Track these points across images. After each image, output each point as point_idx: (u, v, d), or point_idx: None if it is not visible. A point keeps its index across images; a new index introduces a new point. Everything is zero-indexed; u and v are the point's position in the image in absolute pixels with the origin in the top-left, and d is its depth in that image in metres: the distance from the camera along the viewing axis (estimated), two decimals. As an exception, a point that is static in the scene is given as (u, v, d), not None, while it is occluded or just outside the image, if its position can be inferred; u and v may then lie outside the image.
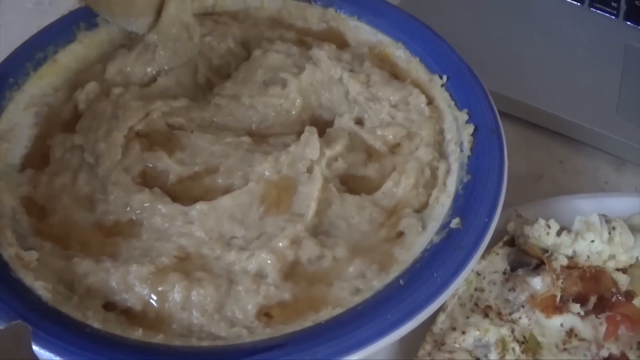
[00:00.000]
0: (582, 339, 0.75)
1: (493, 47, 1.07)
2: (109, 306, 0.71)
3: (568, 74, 1.06)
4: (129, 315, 0.70)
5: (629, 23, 1.16)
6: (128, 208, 0.77)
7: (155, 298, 0.70)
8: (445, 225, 0.74)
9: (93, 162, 0.81)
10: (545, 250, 0.79)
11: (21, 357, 0.77)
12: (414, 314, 0.66)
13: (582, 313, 0.76)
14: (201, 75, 0.91)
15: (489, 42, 1.08)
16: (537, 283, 0.77)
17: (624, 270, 0.80)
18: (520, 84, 1.02)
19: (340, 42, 0.97)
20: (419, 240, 0.74)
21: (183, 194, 0.79)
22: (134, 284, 0.71)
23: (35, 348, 0.63)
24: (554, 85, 1.04)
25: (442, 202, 0.78)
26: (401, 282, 0.69)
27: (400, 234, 0.76)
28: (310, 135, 0.82)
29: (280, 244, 0.72)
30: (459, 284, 0.69)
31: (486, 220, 0.72)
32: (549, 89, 1.03)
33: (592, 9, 1.16)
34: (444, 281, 0.68)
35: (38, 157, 0.84)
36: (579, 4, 1.16)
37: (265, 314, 0.70)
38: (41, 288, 0.68)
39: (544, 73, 1.05)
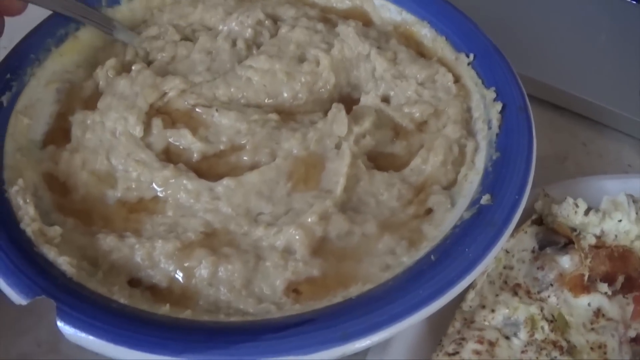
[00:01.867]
0: (609, 319, 0.74)
1: (517, 29, 1.07)
2: (134, 282, 0.71)
3: (592, 57, 1.06)
4: (154, 291, 0.70)
5: (653, 10, 1.16)
6: (153, 184, 0.77)
7: (181, 274, 0.70)
8: (475, 201, 0.73)
9: (114, 139, 0.81)
10: (573, 229, 0.79)
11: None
12: (446, 289, 0.65)
13: (609, 293, 0.75)
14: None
15: (513, 24, 1.08)
16: (566, 262, 0.77)
17: (651, 250, 0.79)
18: (545, 67, 1.02)
19: (365, 21, 0.96)
20: (448, 217, 0.74)
21: (208, 171, 0.79)
22: (160, 260, 0.71)
23: (59, 324, 0.63)
24: (578, 68, 1.04)
25: (471, 180, 0.77)
26: (432, 257, 0.68)
27: (429, 211, 0.76)
28: (338, 111, 0.82)
29: (309, 220, 0.72)
30: (490, 260, 0.68)
31: (517, 197, 0.72)
32: (573, 72, 1.03)
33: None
34: (475, 257, 0.67)
35: (59, 134, 0.84)
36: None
37: (294, 290, 0.69)
38: (65, 263, 0.68)
39: (568, 56, 1.05)
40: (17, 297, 0.65)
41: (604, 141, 1.01)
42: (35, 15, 0.89)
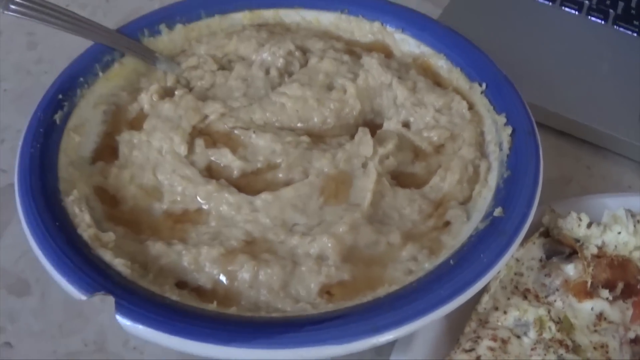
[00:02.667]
0: (610, 322, 0.80)
1: (521, 60, 1.12)
2: (180, 285, 0.76)
3: (594, 86, 1.11)
4: (199, 292, 0.75)
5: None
6: (197, 198, 0.83)
7: (224, 277, 0.76)
8: (488, 214, 0.79)
9: (161, 157, 0.87)
10: (577, 240, 0.85)
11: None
12: (464, 289, 0.71)
13: (610, 298, 0.81)
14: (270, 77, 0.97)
15: (516, 55, 1.12)
16: (570, 269, 0.83)
17: (648, 260, 0.85)
18: (550, 95, 1.08)
19: (386, 53, 1.02)
20: (464, 228, 0.80)
21: (247, 186, 0.85)
22: (205, 264, 0.76)
23: (118, 317, 0.68)
24: (582, 96, 1.09)
25: (485, 196, 0.83)
26: (451, 262, 0.74)
27: (447, 223, 0.82)
28: (364, 134, 0.88)
29: (340, 229, 0.77)
30: (502, 265, 0.74)
31: (525, 210, 0.78)
32: (577, 100, 1.08)
33: (615, 27, 1.22)
34: (489, 261, 0.73)
35: (107, 151, 0.90)
36: (603, 22, 1.22)
37: (327, 292, 0.75)
38: (120, 264, 0.73)
39: (572, 85, 1.11)
40: (77, 294, 0.70)
41: (606, 164, 1.07)
42: (73, 41, 0.95)
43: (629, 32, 1.21)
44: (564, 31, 1.21)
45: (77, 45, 0.96)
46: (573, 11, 1.24)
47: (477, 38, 1.01)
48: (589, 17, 1.23)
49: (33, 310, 0.88)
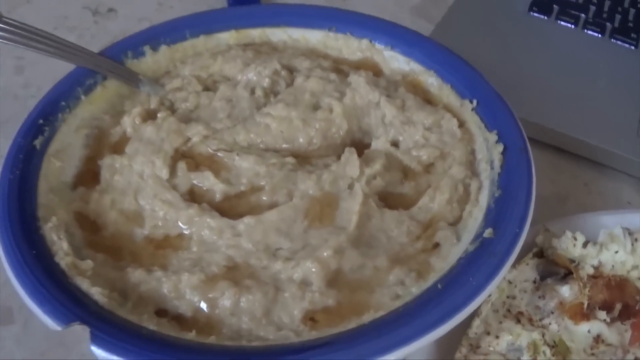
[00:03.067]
0: (608, 345, 0.78)
1: (516, 76, 1.10)
2: (161, 313, 0.74)
3: (591, 101, 1.09)
4: (180, 320, 0.73)
5: (649, 54, 1.19)
6: (178, 222, 0.81)
7: (205, 304, 0.73)
8: (478, 235, 0.77)
9: (142, 181, 0.85)
10: (572, 261, 0.83)
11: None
12: (453, 314, 0.68)
13: (608, 320, 0.79)
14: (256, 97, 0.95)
15: (511, 72, 1.11)
16: (565, 291, 0.80)
17: (647, 279, 0.83)
18: (546, 111, 1.06)
19: (375, 71, 1.01)
20: (454, 250, 0.77)
21: (230, 210, 0.83)
22: (185, 291, 0.74)
23: (93, 348, 0.66)
24: (578, 111, 1.07)
25: (475, 216, 0.81)
26: (439, 286, 0.72)
27: (436, 245, 0.79)
28: (350, 155, 0.86)
29: (325, 254, 0.75)
30: (493, 288, 0.72)
31: (517, 230, 0.75)
32: (573, 115, 1.06)
33: (612, 40, 1.20)
34: (479, 285, 0.71)
35: (88, 176, 0.88)
36: (600, 35, 1.20)
37: (311, 318, 0.73)
38: (97, 293, 0.72)
39: (568, 100, 1.09)
40: (52, 324, 0.68)
41: (604, 181, 1.05)
42: (60, 66, 0.94)
43: (627, 45, 1.20)
44: (560, 45, 1.19)
45: (64, 69, 0.95)
46: (569, 25, 1.23)
47: (470, 53, 0.99)
48: (586, 30, 1.22)
49: (15, 339, 0.87)
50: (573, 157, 1.07)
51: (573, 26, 1.22)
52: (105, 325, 0.69)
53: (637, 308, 0.80)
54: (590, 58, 1.17)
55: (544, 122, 1.05)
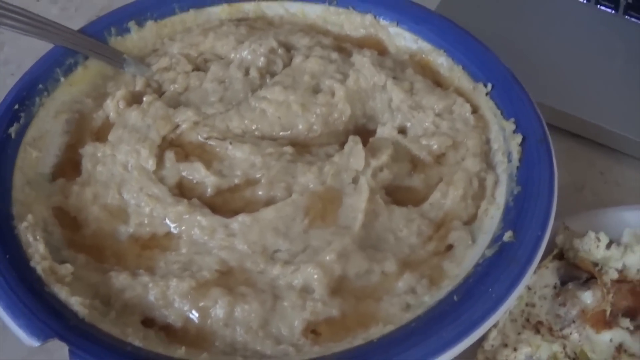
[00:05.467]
0: (631, 354, 0.73)
1: (529, 56, 1.04)
2: (148, 322, 0.69)
3: (608, 84, 1.03)
4: (169, 331, 0.69)
5: (667, 31, 1.14)
6: (166, 220, 0.76)
7: (196, 314, 0.68)
8: (497, 238, 0.72)
9: (126, 173, 0.79)
10: (595, 264, 0.77)
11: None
12: (470, 331, 0.64)
13: (631, 328, 0.74)
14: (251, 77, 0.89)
15: (525, 50, 1.05)
16: (588, 297, 0.75)
17: (675, 284, 0.78)
18: (562, 94, 1.00)
19: (380, 49, 0.95)
20: (469, 253, 0.72)
21: (222, 206, 0.78)
22: (174, 299, 0.69)
23: None
24: (595, 95, 1.02)
25: (492, 215, 0.76)
26: (455, 298, 0.67)
27: (450, 247, 0.74)
28: (355, 144, 0.80)
29: (327, 258, 0.70)
30: (514, 299, 0.67)
31: (539, 233, 0.70)
32: (590, 99, 1.01)
33: (627, 16, 1.14)
34: (499, 296, 0.66)
35: (69, 166, 0.83)
36: (613, 11, 1.14)
37: (313, 330, 0.68)
38: (77, 304, 0.67)
39: (582, 82, 1.03)
40: (28, 339, 0.64)
41: (621, 169, 0.99)
42: (42, 42, 0.88)
43: (643, 23, 1.13)
44: (572, 22, 1.13)
45: (46, 45, 0.90)
46: (581, 0, 1.16)
47: (478, 31, 0.93)
48: (598, 6, 1.15)
49: (-6, 343, 0.81)
50: (589, 143, 1.01)
51: (585, 1, 1.15)
52: (86, 342, 0.64)
53: (663, 316, 0.75)
54: (604, 36, 1.11)
55: (557, 105, 0.99)
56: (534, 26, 1.12)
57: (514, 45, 1.04)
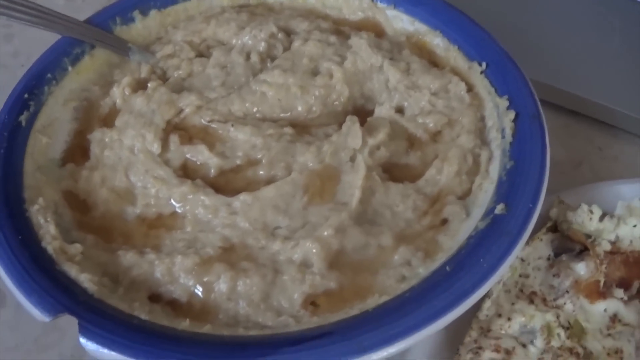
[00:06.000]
0: (625, 324, 0.74)
1: (530, 34, 1.06)
2: (154, 298, 0.71)
3: (606, 61, 1.04)
4: (174, 306, 0.71)
5: (667, 5, 1.14)
6: (171, 200, 0.78)
7: (200, 289, 0.70)
8: (489, 211, 0.73)
9: (133, 157, 0.81)
10: (589, 236, 0.79)
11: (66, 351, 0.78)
12: (461, 300, 0.65)
13: (625, 298, 0.75)
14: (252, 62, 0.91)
15: (526, 29, 1.07)
16: (581, 268, 0.76)
17: (668, 255, 0.78)
18: (558, 71, 1.01)
19: (377, 32, 0.96)
20: (463, 227, 0.74)
21: (225, 186, 0.79)
22: (179, 275, 0.71)
23: (82, 340, 0.63)
24: (592, 72, 1.03)
25: (485, 189, 0.77)
26: (447, 268, 0.68)
27: (444, 221, 0.76)
28: (352, 124, 0.82)
29: (325, 233, 0.72)
30: (505, 270, 0.68)
31: (531, 205, 0.71)
32: (587, 76, 1.02)
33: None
34: (490, 267, 0.67)
35: (78, 152, 0.85)
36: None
37: (312, 302, 0.69)
38: (87, 280, 0.69)
39: (581, 59, 1.04)
40: (40, 315, 0.65)
41: (619, 145, 1.00)
42: (51, 34, 0.90)
43: (641, -3, 1.14)
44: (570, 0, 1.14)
45: (55, 37, 0.92)
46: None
47: (475, 9, 0.94)
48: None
49: (8, 324, 0.84)
50: (587, 119, 1.02)
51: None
52: (95, 316, 0.66)
53: (656, 286, 0.76)
54: (603, 12, 1.12)
55: (556, 83, 1.01)
56: (533, 5, 1.13)
57: (512, 22, 1.07)
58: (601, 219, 0.79)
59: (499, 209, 0.72)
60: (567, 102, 1.02)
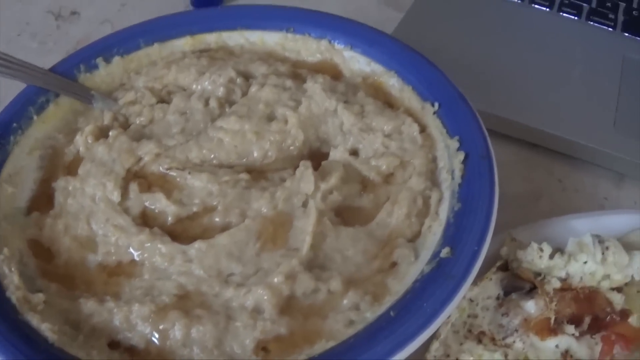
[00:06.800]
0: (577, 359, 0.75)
1: (488, 67, 1.07)
2: (113, 345, 0.73)
3: (565, 91, 1.05)
4: (132, 353, 0.72)
5: (626, 35, 1.16)
6: (130, 249, 0.79)
7: (157, 336, 0.72)
8: (435, 254, 0.74)
9: (94, 205, 0.83)
10: (538, 274, 0.80)
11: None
12: (404, 344, 0.66)
13: (576, 334, 0.76)
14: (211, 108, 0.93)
15: (484, 63, 1.08)
16: (531, 307, 0.77)
17: (618, 289, 0.79)
18: (517, 104, 1.02)
19: (335, 73, 0.98)
20: (411, 270, 0.75)
21: (182, 233, 0.81)
22: (137, 323, 0.72)
23: None
24: (551, 103, 1.04)
25: (434, 231, 0.78)
26: (392, 313, 0.69)
27: (394, 264, 0.77)
28: (305, 169, 0.83)
29: (276, 280, 0.73)
30: (449, 313, 0.69)
31: (475, 248, 0.72)
32: (546, 108, 1.03)
33: (589, 22, 1.16)
34: (433, 311, 0.68)
35: (44, 200, 0.86)
36: (576, 17, 1.16)
37: (263, 348, 0.71)
38: (47, 330, 0.70)
39: (540, 91, 1.05)
40: None
41: (579, 176, 1.01)
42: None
43: (604, 27, 1.16)
44: (535, 30, 1.16)
45: (20, 85, 0.93)
46: (544, 8, 1.19)
47: (441, 42, 0.97)
48: (561, 13, 1.18)
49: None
50: (547, 152, 1.03)
51: (548, 9, 1.18)
52: None
53: (607, 320, 0.77)
54: (565, 44, 1.13)
55: (515, 116, 1.02)
56: (496, 35, 1.14)
57: (475, 55, 1.08)
58: (552, 255, 0.80)
59: (444, 252, 0.73)
60: (527, 135, 1.03)
